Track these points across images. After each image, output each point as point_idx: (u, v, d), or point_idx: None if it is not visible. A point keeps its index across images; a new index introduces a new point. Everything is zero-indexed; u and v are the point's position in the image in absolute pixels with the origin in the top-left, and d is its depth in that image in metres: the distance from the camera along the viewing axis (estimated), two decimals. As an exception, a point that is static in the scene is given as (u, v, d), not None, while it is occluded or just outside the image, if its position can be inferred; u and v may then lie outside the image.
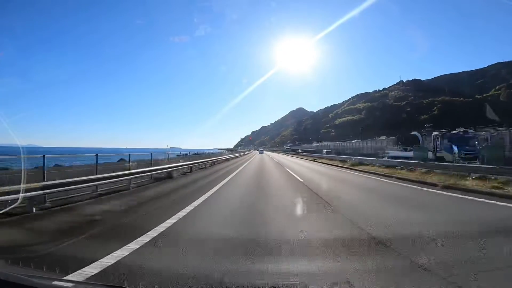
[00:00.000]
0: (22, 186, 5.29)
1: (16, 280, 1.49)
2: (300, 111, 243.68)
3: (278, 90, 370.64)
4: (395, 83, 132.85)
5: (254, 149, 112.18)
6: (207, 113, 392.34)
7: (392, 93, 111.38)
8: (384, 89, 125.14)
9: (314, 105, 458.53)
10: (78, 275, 2.73)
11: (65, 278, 2.45)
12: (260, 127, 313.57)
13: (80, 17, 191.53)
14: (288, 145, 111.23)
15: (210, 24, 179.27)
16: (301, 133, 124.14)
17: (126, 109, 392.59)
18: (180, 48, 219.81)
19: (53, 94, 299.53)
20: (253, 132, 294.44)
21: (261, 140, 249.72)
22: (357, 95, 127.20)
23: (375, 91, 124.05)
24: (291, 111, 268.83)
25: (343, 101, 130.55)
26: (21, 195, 5.25)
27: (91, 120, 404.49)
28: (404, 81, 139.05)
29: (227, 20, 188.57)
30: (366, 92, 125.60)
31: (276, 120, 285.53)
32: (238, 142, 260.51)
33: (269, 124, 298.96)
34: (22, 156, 5.45)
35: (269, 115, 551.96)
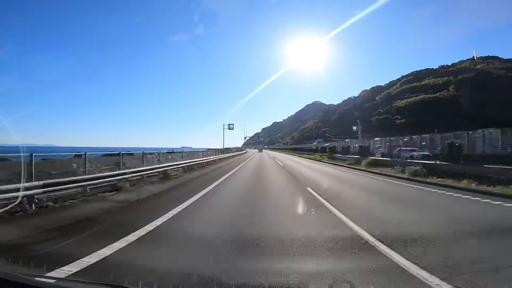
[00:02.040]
0: (22, 184, 5.16)
1: (16, 279, 1.47)
2: (317, 104, 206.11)
3: (290, 86, 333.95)
4: (465, 59, 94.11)
5: (259, 148, 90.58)
6: (217, 112, 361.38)
7: (477, 66, 73.15)
8: (453, 64, 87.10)
9: (331, 98, 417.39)
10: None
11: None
12: (271, 123, 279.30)
13: (81, 16, 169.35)
14: (316, 141, 75.70)
15: (220, 24, 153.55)
16: (333, 124, 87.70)
17: (134, 109, 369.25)
18: (188, 47, 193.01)
19: (55, 95, 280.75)
20: (263, 129, 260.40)
21: (272, 137, 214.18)
22: (412, 73, 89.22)
23: (442, 66, 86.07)
24: (307, 104, 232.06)
25: (390, 82, 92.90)
26: (21, 193, 5.18)
27: (91, 121, 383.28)
28: (476, 58, 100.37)
29: (237, 18, 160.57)
30: (428, 69, 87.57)
31: (290, 115, 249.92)
32: (248, 140, 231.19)
33: (281, 120, 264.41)
34: (22, 154, 5.52)
35: (281, 111, 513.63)
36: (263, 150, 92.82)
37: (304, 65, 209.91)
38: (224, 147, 44.65)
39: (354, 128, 45.09)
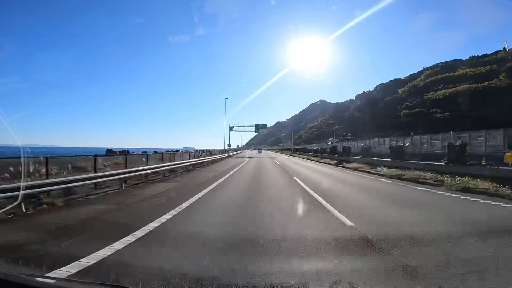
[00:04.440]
0: (22, 184, 5.03)
1: (16, 280, 1.45)
2: (322, 103, 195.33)
3: (293, 86, 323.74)
4: (494, 51, 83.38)
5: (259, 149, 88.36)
6: (218, 113, 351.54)
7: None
8: (484, 55, 76.54)
9: (336, 96, 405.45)
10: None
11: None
12: (275, 123, 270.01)
13: (82, 18, 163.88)
14: (330, 140, 65.36)
15: (221, 25, 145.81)
16: (347, 121, 77.20)
17: (136, 109, 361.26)
18: (189, 48, 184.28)
19: (57, 96, 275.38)
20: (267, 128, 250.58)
21: (275, 137, 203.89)
22: (437, 64, 78.64)
23: (473, 57, 75.58)
24: (311, 103, 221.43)
25: (411, 74, 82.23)
26: (21, 192, 5.07)
27: (93, 122, 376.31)
28: (508, 49, 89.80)
29: (237, 20, 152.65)
30: (456, 60, 76.93)
31: (294, 114, 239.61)
32: (249, 140, 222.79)
33: (285, 120, 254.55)
34: (22, 156, 5.28)
35: (284, 111, 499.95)
36: (263, 150, 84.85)
37: (307, 65, 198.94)
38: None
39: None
